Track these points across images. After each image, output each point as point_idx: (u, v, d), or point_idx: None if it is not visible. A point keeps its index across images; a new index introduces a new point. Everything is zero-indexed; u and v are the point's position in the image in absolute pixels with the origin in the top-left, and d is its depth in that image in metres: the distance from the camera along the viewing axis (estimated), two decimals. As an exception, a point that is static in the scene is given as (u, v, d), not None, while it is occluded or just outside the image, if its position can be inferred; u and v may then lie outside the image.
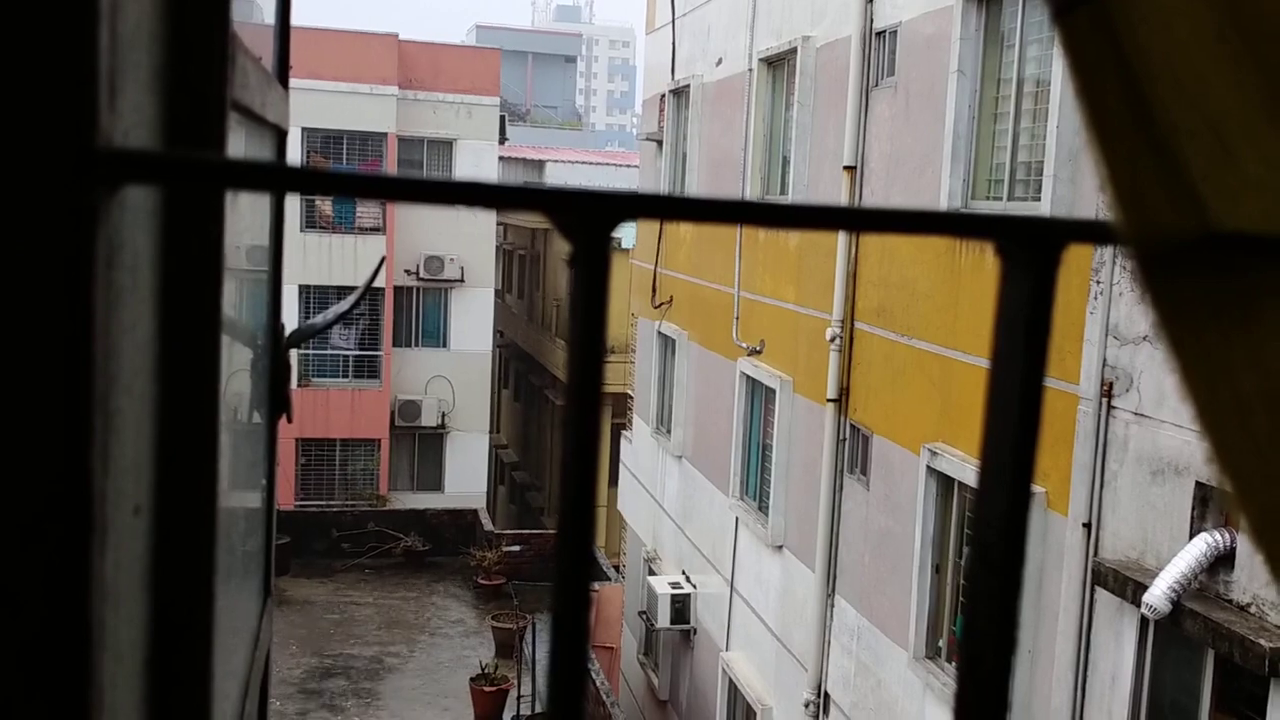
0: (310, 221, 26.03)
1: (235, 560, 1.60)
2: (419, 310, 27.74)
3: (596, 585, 18.56)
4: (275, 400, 2.20)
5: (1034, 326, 0.51)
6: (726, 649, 13.76)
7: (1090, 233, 0.52)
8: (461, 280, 27.36)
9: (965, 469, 8.62)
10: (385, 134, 26.39)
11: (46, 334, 0.57)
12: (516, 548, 23.45)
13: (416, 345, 27.67)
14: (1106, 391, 7.11)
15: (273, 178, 0.69)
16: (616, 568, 21.21)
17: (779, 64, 12.79)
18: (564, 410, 0.49)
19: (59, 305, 0.57)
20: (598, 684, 16.30)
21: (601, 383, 0.49)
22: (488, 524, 25.30)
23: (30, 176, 0.55)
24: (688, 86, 15.43)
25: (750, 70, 13.26)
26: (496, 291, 29.79)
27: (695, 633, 14.93)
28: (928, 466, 9.14)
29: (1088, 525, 7.25)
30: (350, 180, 0.51)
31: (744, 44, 13.53)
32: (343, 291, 24.46)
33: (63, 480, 0.58)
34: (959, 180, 8.94)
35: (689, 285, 15.26)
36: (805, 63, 11.72)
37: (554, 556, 0.49)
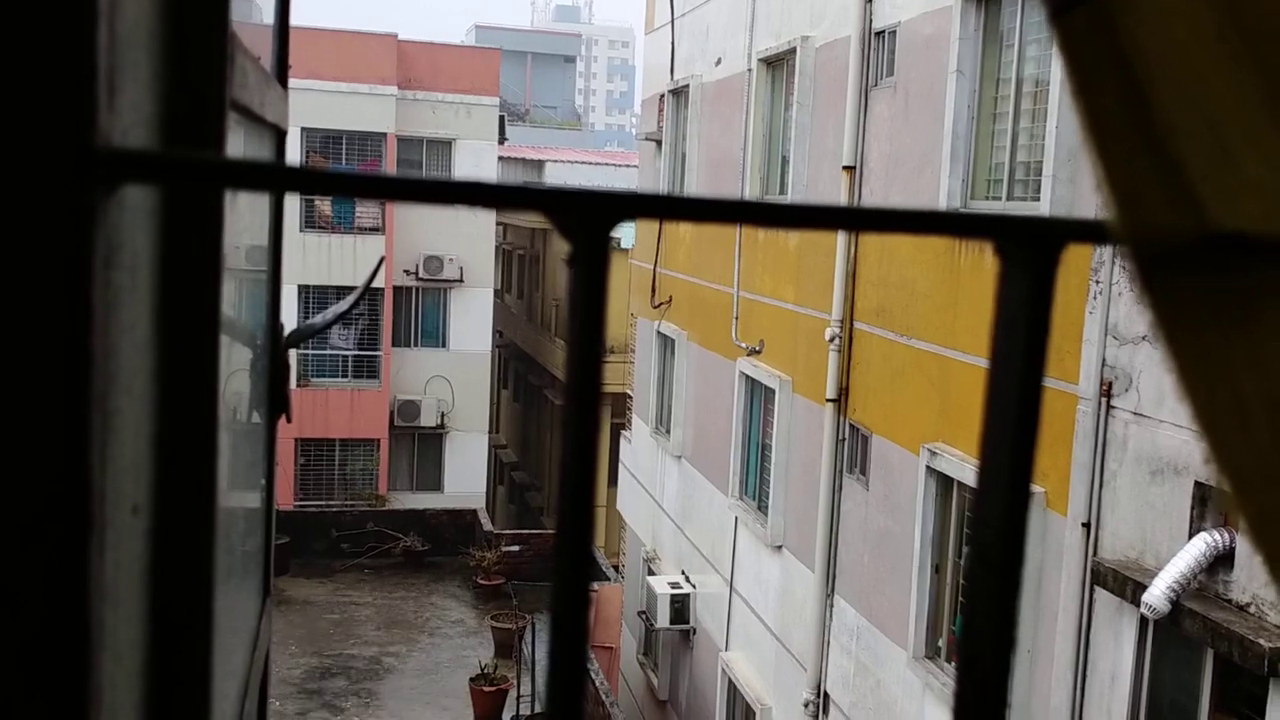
0: (309, 221, 26.03)
1: (234, 560, 1.60)
2: (418, 310, 27.74)
3: (596, 585, 18.55)
4: (274, 400, 2.20)
5: (1033, 326, 0.51)
6: (726, 649, 13.77)
7: (1089, 232, 0.52)
8: (461, 280, 27.36)
9: (964, 469, 8.62)
10: (384, 134, 26.39)
11: (46, 334, 0.57)
12: (516, 548, 23.45)
13: (416, 345, 27.67)
14: (1106, 391, 7.11)
15: (272, 177, 0.69)
16: (616, 568, 21.21)
17: (778, 64, 12.79)
18: (563, 410, 0.49)
19: (58, 305, 0.57)
20: (597, 684, 16.30)
21: (601, 383, 0.49)
22: (487, 524, 25.29)
23: (29, 176, 0.55)
24: (687, 86, 15.43)
25: (749, 70, 13.26)
26: (496, 291, 29.79)
27: (694, 633, 14.93)
28: (927, 466, 9.14)
29: (1087, 525, 7.26)
30: (349, 180, 0.51)
31: (743, 44, 13.53)
32: (342, 291, 24.45)
33: (62, 480, 0.58)
34: (958, 180, 8.94)
35: (688, 285, 15.26)
36: (804, 63, 11.72)
37: (553, 556, 0.49)
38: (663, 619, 14.91)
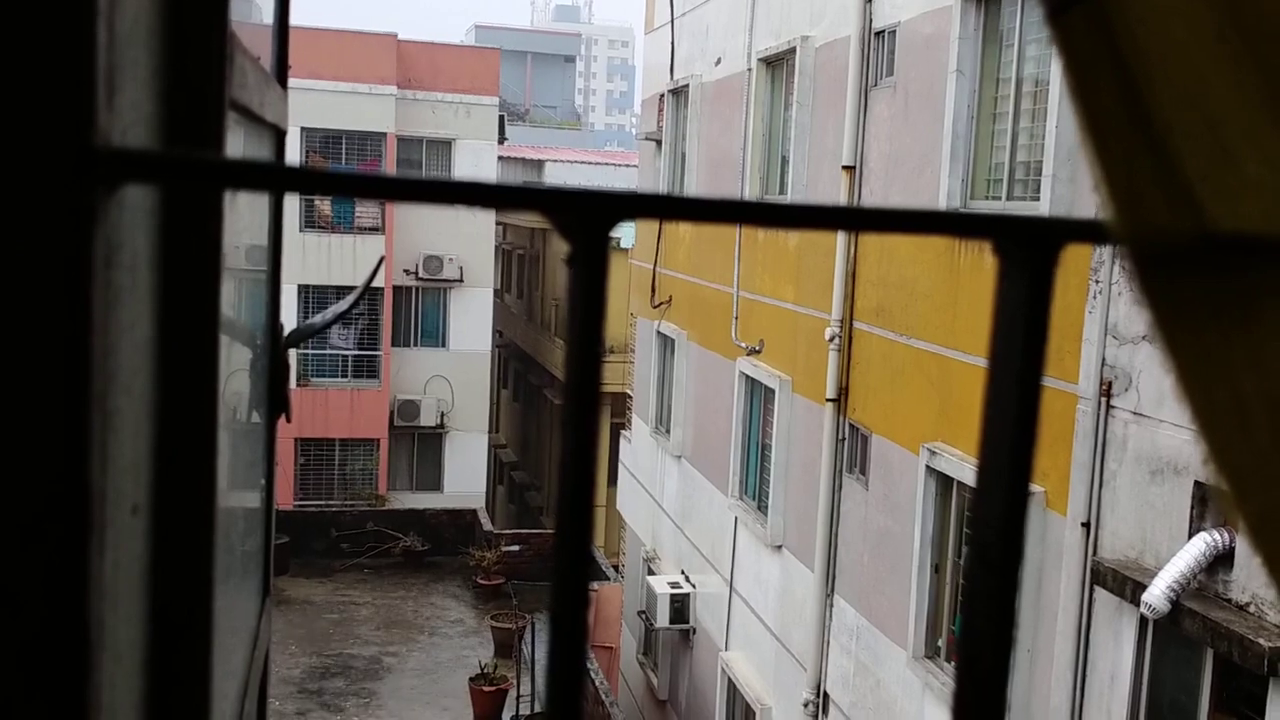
0: (309, 221, 26.03)
1: (234, 560, 1.60)
2: (418, 310, 27.74)
3: (595, 585, 18.56)
4: (274, 400, 2.20)
5: (1032, 326, 0.51)
6: (726, 649, 13.77)
7: (1089, 232, 0.52)
8: (460, 280, 27.36)
9: (964, 468, 8.62)
10: (384, 134, 26.39)
11: (45, 333, 0.57)
12: (515, 547, 23.44)
13: (415, 345, 27.67)
14: (1105, 391, 7.11)
15: (271, 177, 0.69)
16: (616, 567, 21.21)
17: (778, 64, 12.79)
18: (562, 410, 0.49)
19: (58, 305, 0.57)
20: (597, 684, 16.30)
21: (600, 382, 0.49)
22: (487, 524, 25.29)
23: (28, 176, 0.55)
24: (687, 86, 15.43)
25: (749, 70, 13.26)
26: (495, 291, 29.79)
27: (694, 632, 14.93)
28: (927, 466, 9.14)
29: (1087, 525, 7.26)
30: (349, 180, 0.51)
31: (743, 44, 13.53)
32: (342, 291, 24.45)
33: (62, 480, 0.58)
34: (958, 180, 8.94)
35: (688, 285, 15.26)
36: (804, 62, 11.72)
37: (553, 556, 0.49)
38: (662, 619, 14.91)
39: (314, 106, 24.68)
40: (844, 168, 10.68)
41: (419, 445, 27.83)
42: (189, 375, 0.94)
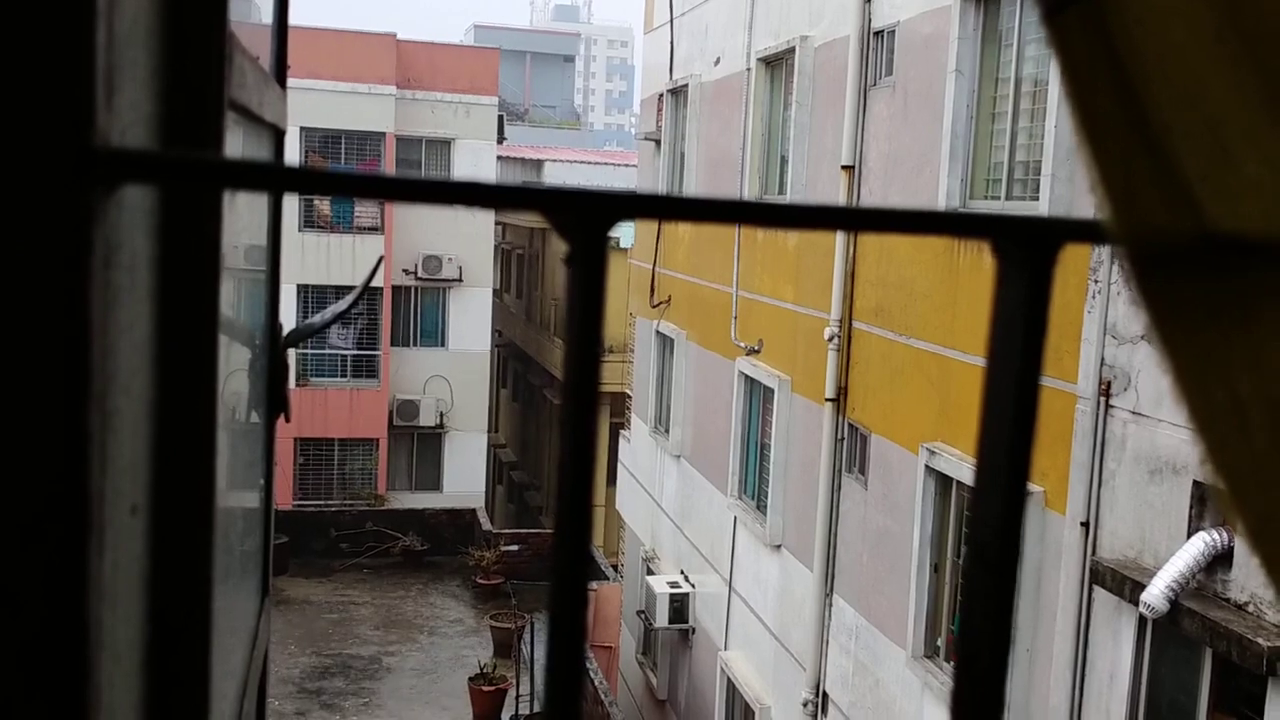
0: (308, 221, 26.02)
1: (233, 560, 1.60)
2: (417, 310, 27.74)
3: (594, 584, 18.55)
4: (273, 400, 2.20)
5: (1030, 326, 0.51)
6: (725, 648, 13.77)
7: (1087, 232, 0.52)
8: (460, 280, 27.35)
9: (963, 468, 8.62)
10: (383, 133, 26.39)
11: (44, 334, 0.57)
12: (515, 547, 23.44)
13: (415, 345, 27.67)
14: (1104, 390, 7.11)
15: (270, 177, 0.69)
16: (615, 567, 21.21)
17: (777, 63, 12.79)
18: (561, 409, 0.49)
19: (57, 305, 0.57)
20: (596, 683, 16.30)
21: (599, 382, 0.49)
22: (486, 523, 25.29)
23: (27, 176, 0.55)
24: (686, 86, 15.43)
25: (748, 70, 13.26)
26: (495, 291, 29.78)
27: (694, 632, 14.93)
28: (926, 466, 9.14)
29: (1086, 524, 7.26)
30: (348, 180, 0.51)
31: (742, 44, 13.53)
32: (341, 291, 24.44)
33: (61, 480, 0.58)
34: (957, 180, 8.94)
35: (687, 285, 15.26)
36: (803, 62, 11.72)
37: (551, 556, 0.49)
38: (662, 618, 14.91)
39: (313, 106, 24.68)
40: (843, 167, 10.68)
41: (418, 445, 27.82)
42: (188, 375, 0.94)
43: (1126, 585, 6.66)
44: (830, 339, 10.80)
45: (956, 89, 8.88)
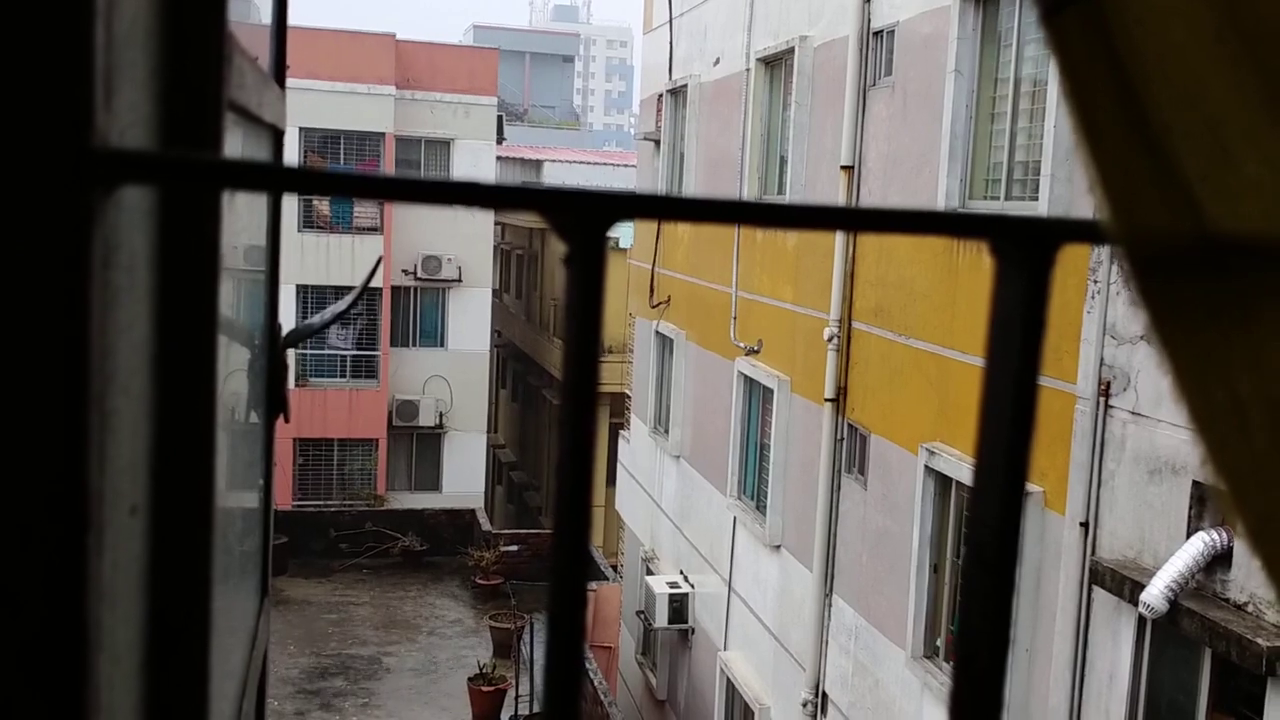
0: (308, 221, 26.03)
1: (232, 560, 1.59)
2: (417, 310, 27.74)
3: (594, 585, 18.55)
4: (272, 400, 2.20)
5: (1029, 326, 0.51)
6: (724, 649, 13.77)
7: (1086, 232, 0.52)
8: (459, 280, 27.35)
9: (963, 468, 8.62)
10: (383, 134, 26.39)
11: (44, 334, 0.57)
12: (514, 547, 23.44)
13: (414, 345, 27.67)
14: (1104, 391, 7.11)
15: (270, 178, 0.69)
16: (614, 567, 21.21)
17: (776, 64, 12.79)
18: (560, 410, 0.49)
19: (56, 305, 0.57)
20: (595, 684, 16.30)
21: (598, 382, 0.49)
22: (485, 524, 25.29)
23: (26, 176, 0.55)
24: (685, 86, 15.43)
25: (748, 70, 13.26)
26: (494, 291, 29.79)
27: (693, 632, 14.93)
28: (925, 466, 9.15)
29: (1085, 524, 7.26)
30: (347, 180, 0.51)
31: (741, 44, 13.53)
32: (340, 291, 24.44)
33: (60, 480, 0.58)
34: (956, 180, 8.94)
35: (687, 285, 15.26)
36: (803, 62, 11.72)
37: (551, 556, 0.49)
38: (661, 619, 14.91)
39: (312, 106, 24.68)
40: (842, 168, 10.68)
41: (417, 445, 27.82)
42: (187, 376, 0.94)
43: (1126, 585, 6.66)
44: (829, 339, 10.80)
45: (956, 89, 8.88)
